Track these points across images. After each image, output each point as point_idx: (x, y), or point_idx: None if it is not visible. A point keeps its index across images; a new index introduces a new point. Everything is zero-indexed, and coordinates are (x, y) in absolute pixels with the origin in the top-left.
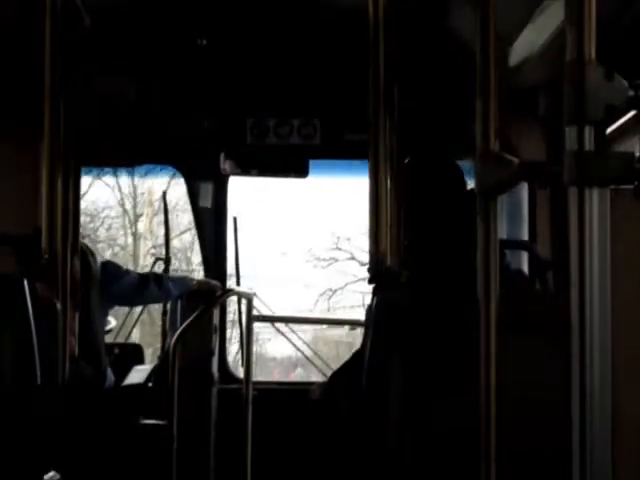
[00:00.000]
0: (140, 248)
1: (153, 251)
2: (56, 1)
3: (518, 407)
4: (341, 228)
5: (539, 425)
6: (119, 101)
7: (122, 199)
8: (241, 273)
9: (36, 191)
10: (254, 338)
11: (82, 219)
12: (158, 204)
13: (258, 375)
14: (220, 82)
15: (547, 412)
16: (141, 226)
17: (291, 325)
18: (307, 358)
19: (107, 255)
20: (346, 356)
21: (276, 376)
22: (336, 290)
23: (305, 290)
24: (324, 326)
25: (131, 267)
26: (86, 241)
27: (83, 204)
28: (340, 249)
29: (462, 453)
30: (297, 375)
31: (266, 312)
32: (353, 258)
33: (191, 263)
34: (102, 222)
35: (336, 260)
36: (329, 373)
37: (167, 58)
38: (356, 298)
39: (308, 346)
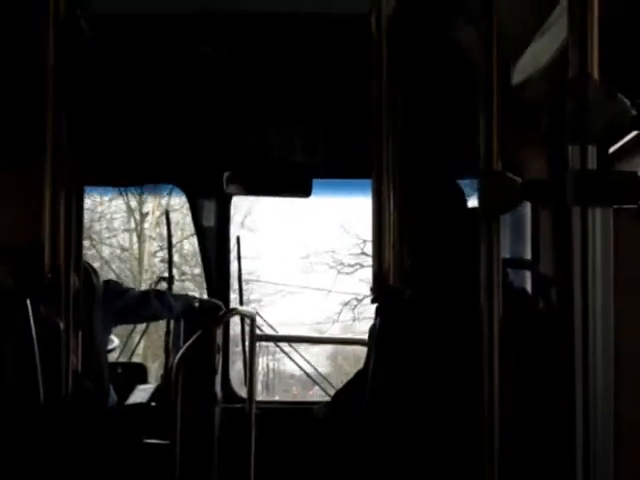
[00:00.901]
0: (145, 250)
1: (160, 254)
2: (58, 11)
3: (522, 424)
4: (367, 231)
5: (542, 440)
6: (121, 117)
7: (126, 194)
8: (263, 278)
9: (39, 209)
10: (271, 354)
11: None
12: (167, 200)
13: (277, 393)
14: (222, 101)
15: (550, 428)
16: (147, 226)
17: (304, 347)
18: (312, 375)
19: (111, 258)
20: None
21: (294, 393)
22: (362, 299)
23: (328, 298)
24: (336, 347)
25: (135, 268)
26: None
27: None
28: (366, 254)
29: (466, 470)
30: (316, 393)
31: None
32: None
33: None
34: (99, 218)
35: (362, 266)
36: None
37: (171, 77)
38: None
39: (310, 363)
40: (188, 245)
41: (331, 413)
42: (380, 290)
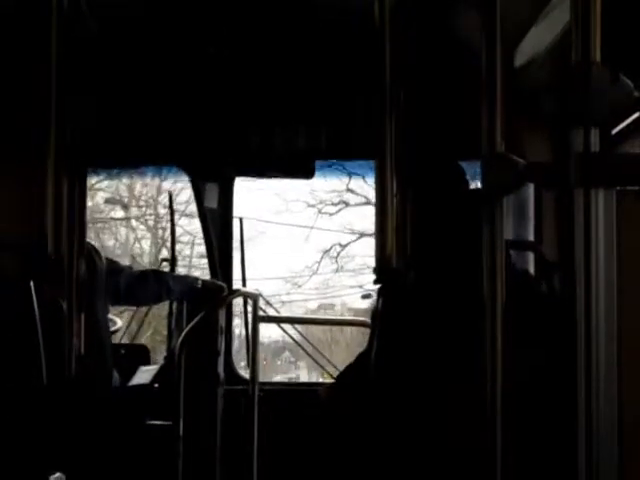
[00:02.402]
0: None
1: (104, 184)
2: (62, 7)
3: (525, 408)
4: (354, 162)
5: (545, 425)
6: (125, 103)
7: None
8: None
9: (42, 192)
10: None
11: None
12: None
13: (243, 360)
14: (226, 84)
15: (553, 411)
16: None
17: (278, 307)
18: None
19: None
20: (339, 339)
21: (262, 361)
22: (346, 245)
23: (306, 245)
24: (315, 307)
25: None
26: None
27: None
28: (352, 191)
29: (470, 453)
30: (284, 359)
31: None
32: (368, 202)
33: None
34: None
35: (347, 204)
36: (318, 357)
37: (174, 62)
38: (372, 257)
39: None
40: None
41: (334, 395)
42: (383, 272)
